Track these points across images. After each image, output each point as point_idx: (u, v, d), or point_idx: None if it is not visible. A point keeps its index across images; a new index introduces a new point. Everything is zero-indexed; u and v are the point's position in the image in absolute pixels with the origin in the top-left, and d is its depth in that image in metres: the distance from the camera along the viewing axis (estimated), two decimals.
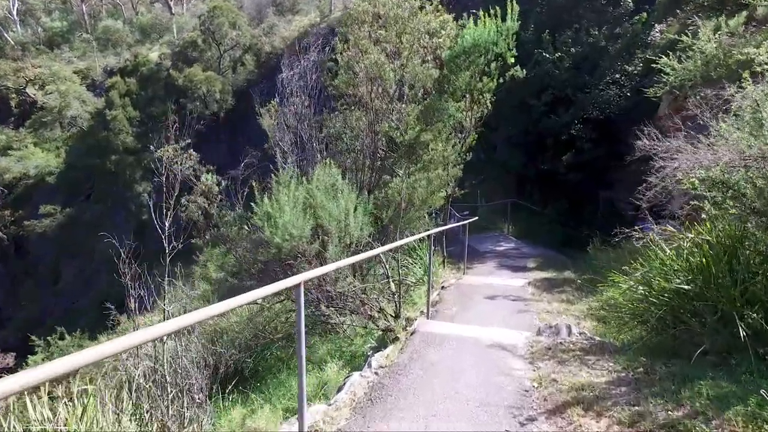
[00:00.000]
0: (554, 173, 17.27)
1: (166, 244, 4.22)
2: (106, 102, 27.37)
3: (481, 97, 10.27)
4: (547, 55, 16.22)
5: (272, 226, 6.40)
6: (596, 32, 16.42)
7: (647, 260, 5.78)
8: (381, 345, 6.94)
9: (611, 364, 4.84)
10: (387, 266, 7.66)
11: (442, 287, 9.11)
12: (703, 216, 5.58)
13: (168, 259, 4.28)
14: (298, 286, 3.03)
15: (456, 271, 11.32)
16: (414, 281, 9.47)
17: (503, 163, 19.28)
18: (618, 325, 5.90)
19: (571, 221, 17.66)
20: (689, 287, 4.86)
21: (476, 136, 10.52)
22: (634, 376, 4.51)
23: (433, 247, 11.94)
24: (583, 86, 16.44)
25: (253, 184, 7.61)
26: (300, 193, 7.02)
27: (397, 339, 6.02)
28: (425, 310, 7.77)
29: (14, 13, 40.02)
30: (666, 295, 5.04)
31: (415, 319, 7.23)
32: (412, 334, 5.99)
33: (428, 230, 9.05)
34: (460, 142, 10.07)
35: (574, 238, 17.05)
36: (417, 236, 6.48)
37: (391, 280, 7.70)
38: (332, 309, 7.02)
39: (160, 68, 28.63)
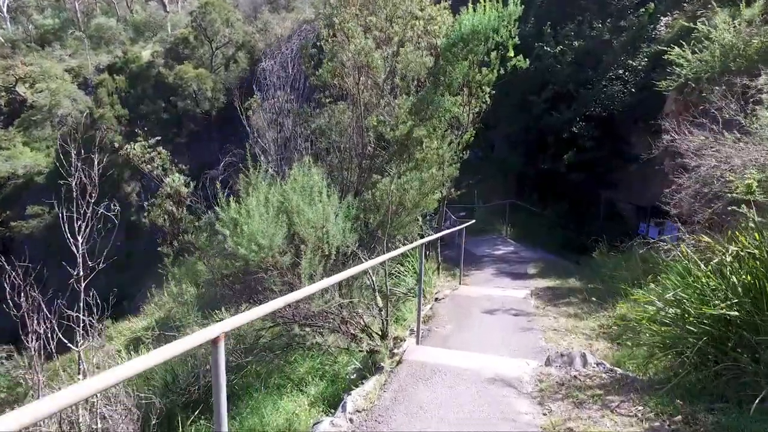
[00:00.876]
0: (555, 173, 16.31)
1: (80, 266, 3.25)
2: (93, 100, 26.32)
3: (479, 90, 9.31)
4: (549, 49, 15.25)
5: (237, 234, 5.43)
6: (599, 25, 15.45)
7: (677, 276, 4.80)
8: (365, 368, 6.03)
9: (640, 408, 3.87)
10: (373, 277, 6.68)
11: (436, 299, 8.15)
12: (745, 224, 4.63)
13: (83, 285, 3.31)
14: (215, 341, 2.06)
15: (452, 278, 10.36)
16: (405, 291, 8.51)
17: (502, 162, 18.31)
18: (643, 354, 4.92)
19: (571, 223, 16.72)
20: (735, 313, 3.89)
21: (474, 132, 9.56)
22: (672, 427, 3.55)
23: (425, 254, 10.99)
24: (585, 82, 15.49)
25: (222, 185, 6.62)
26: (274, 196, 6.05)
27: (381, 369, 5.05)
28: (416, 328, 6.82)
29: (4, 10, 38.94)
30: (705, 321, 4.07)
31: (404, 340, 6.28)
32: (398, 363, 5.02)
33: (420, 237, 8.08)
34: (456, 139, 9.10)
35: (576, 241, 16.12)
36: (404, 248, 5.52)
37: (377, 292, 6.73)
38: (308, 329, 6.05)
39: (151, 66, 27.60)
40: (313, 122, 7.66)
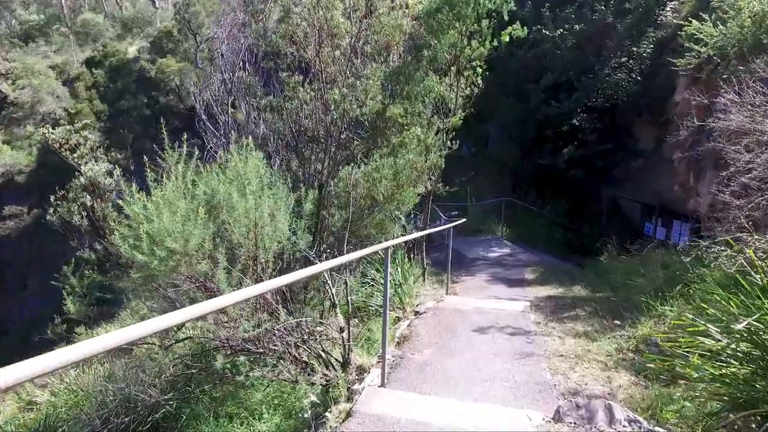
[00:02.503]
0: (554, 169, 14.84)
1: None
2: (71, 95, 24.81)
3: (468, 66, 7.83)
4: (547, 33, 13.77)
5: (137, 236, 3.95)
6: (602, 7, 13.97)
7: (746, 294, 3.32)
8: (323, 402, 4.62)
9: None
10: (332, 290, 5.21)
11: (416, 313, 6.67)
12: None
13: None
14: None
15: (439, 285, 8.87)
16: (381, 304, 7.03)
17: (497, 157, 16.83)
18: (696, 407, 3.42)
19: (572, 223, 15.26)
20: None
21: (462, 116, 8.09)
22: None
23: (408, 257, 9.51)
24: (587, 69, 14.02)
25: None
26: (199, 189, 4.57)
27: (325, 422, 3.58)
28: (393, 351, 5.34)
29: None
30: None
31: (368, 371, 4.81)
32: (347, 417, 3.54)
33: (395, 238, 6.59)
34: (442, 123, 7.62)
35: (577, 241, 14.68)
36: (366, 250, 4.04)
37: (338, 308, 5.25)
38: (243, 358, 4.57)
39: (132, 60, 26.09)
40: (261, 97, 6.20)
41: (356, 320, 7.01)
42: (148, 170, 4.32)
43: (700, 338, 3.13)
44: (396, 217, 8.73)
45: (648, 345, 5.14)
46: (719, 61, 8.55)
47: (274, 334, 4.87)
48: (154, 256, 3.85)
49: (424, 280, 9.02)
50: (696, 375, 3.11)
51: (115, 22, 38.73)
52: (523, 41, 14.60)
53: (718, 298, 3.93)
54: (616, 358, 5.07)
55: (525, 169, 15.97)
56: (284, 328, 4.90)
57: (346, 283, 5.04)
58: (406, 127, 6.43)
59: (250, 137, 5.04)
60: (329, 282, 5.28)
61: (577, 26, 13.94)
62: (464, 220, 11.34)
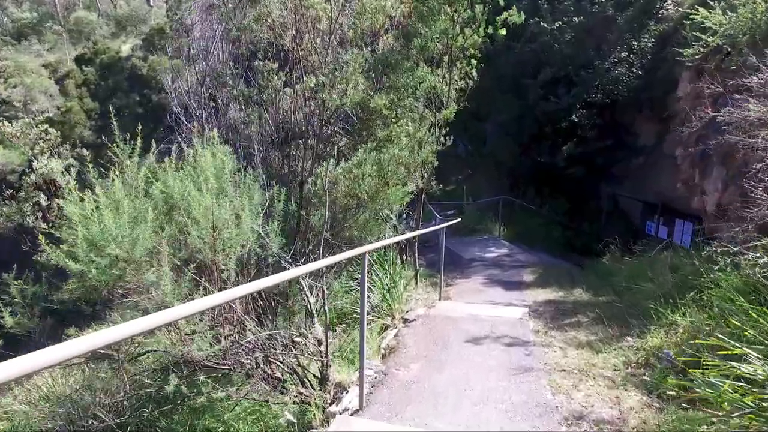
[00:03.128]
0: (552, 167, 14.27)
1: None
2: (60, 93, 24.22)
3: (462, 56, 7.27)
4: (546, 26, 13.20)
5: (71, 242, 3.39)
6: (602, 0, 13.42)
7: None
8: (301, 422, 4.12)
9: None
10: (309, 298, 4.66)
11: (405, 321, 6.11)
12: None
13: None
14: None
15: (432, 289, 8.32)
16: (369, 310, 6.48)
17: (494, 155, 16.26)
18: None
19: (571, 222, 14.70)
20: None
21: (456, 108, 7.54)
22: None
23: (401, 258, 8.96)
24: (586, 64, 13.44)
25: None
26: (156, 187, 4.02)
27: None
28: (377, 365, 4.79)
29: None
30: None
31: (348, 389, 4.27)
32: None
33: (381, 239, 6.02)
34: (434, 117, 7.08)
35: (576, 240, 14.14)
36: (337, 257, 3.49)
37: (316, 320, 4.71)
38: (202, 377, 4.01)
39: (123, 57, 25.50)
40: (233, 87, 5.64)
41: (344, 326, 6.47)
42: (91, 166, 3.76)
43: (734, 364, 2.57)
44: (386, 217, 8.18)
45: (659, 359, 4.59)
46: (729, 50, 7.99)
47: (244, 348, 4.33)
48: (92, 264, 3.29)
49: (416, 283, 8.47)
50: (730, 406, 2.57)
51: (109, 21, 38.12)
52: (520, 35, 14.07)
53: (742, 310, 3.39)
54: (624, 374, 4.52)
55: (523, 167, 15.40)
56: (255, 342, 4.35)
57: (323, 291, 4.48)
58: (393, 120, 5.87)
59: (215, 130, 4.48)
60: (306, 290, 4.74)
61: (576, 19, 13.37)
62: (459, 219, 10.79)
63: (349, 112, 6.35)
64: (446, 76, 7.06)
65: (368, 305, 6.45)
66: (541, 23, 13.20)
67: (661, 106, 12.99)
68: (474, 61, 8.17)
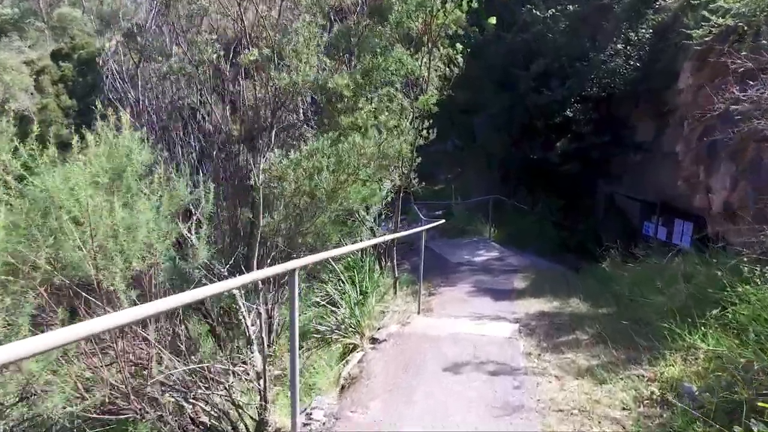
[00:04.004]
0: (546, 164, 13.35)
1: None
2: (35, 89, 23.11)
3: (443, 36, 6.34)
4: (538, 13, 12.28)
5: None
6: None
7: None
8: None
9: None
10: (246, 320, 3.71)
11: (375, 341, 5.17)
12: None
13: None
14: None
15: (412, 298, 7.38)
16: (333, 327, 5.56)
17: (484, 152, 15.32)
18: None
19: (566, 222, 13.79)
20: None
21: (437, 96, 6.61)
22: None
23: (379, 264, 8.02)
24: (581, 55, 12.53)
25: None
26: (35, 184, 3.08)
27: None
28: (330, 403, 3.83)
29: None
30: None
31: None
32: None
33: (340, 246, 5.07)
34: (410, 104, 6.14)
35: (571, 241, 13.25)
36: (257, 274, 2.55)
37: (254, 347, 3.76)
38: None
39: (103, 52, 24.39)
40: (164, 62, 4.69)
41: (307, 345, 5.53)
42: None
43: None
44: (361, 219, 7.24)
45: (679, 395, 3.66)
46: (745, 29, 7.09)
47: (161, 388, 3.38)
48: None
49: (395, 291, 7.54)
50: None
51: (93, 17, 36.97)
52: (511, 23, 13.17)
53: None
54: (635, 415, 3.59)
55: (515, 164, 14.47)
56: (170, 379, 3.40)
57: (260, 313, 3.53)
58: (360, 106, 4.93)
59: (127, 112, 3.52)
60: (243, 311, 3.78)
61: (570, 7, 12.47)
62: (444, 221, 9.85)
63: (313, 97, 5.39)
64: (425, 58, 6.12)
65: (333, 321, 5.52)
66: (534, 11, 12.29)
67: (660, 100, 12.12)
68: (459, 46, 7.27)
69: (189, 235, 3.60)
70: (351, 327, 5.50)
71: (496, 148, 14.64)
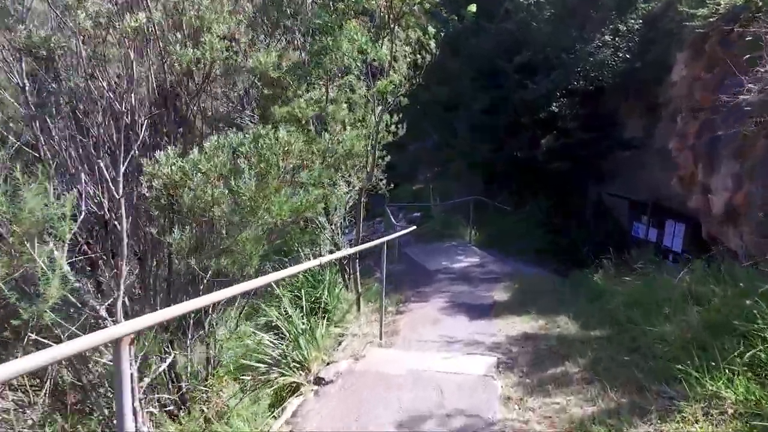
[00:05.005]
0: (531, 162, 12.43)
1: None
2: None
3: (408, 12, 5.33)
4: (522, 0, 11.31)
5: None
6: None
7: None
8: None
9: None
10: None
11: (320, 381, 4.15)
12: None
13: None
14: None
15: (376, 319, 6.36)
16: (273, 361, 4.54)
17: (466, 150, 14.32)
18: None
19: (552, 224, 12.87)
20: None
21: (405, 84, 5.61)
22: None
23: (343, 276, 7.01)
24: (568, 46, 11.60)
25: None
26: None
27: None
28: None
29: None
30: None
31: None
32: None
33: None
34: (372, 97, 5.13)
35: (557, 245, 12.33)
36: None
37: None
38: None
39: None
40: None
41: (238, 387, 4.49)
42: None
43: None
44: (320, 225, 6.23)
45: None
46: (756, 7, 6.17)
47: None
48: None
49: (359, 308, 6.51)
50: None
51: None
52: (494, 12, 12.20)
53: None
54: None
55: (498, 163, 13.51)
56: None
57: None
58: (300, 94, 3.91)
59: None
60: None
61: None
62: (414, 227, 8.84)
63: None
64: (387, 38, 5.10)
65: (277, 353, 4.51)
66: None
67: (651, 94, 11.26)
68: (432, 30, 6.28)
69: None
70: (295, 361, 4.48)
71: (479, 145, 13.68)
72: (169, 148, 2.87)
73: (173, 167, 2.75)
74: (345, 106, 4.95)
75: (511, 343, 5.35)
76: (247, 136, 3.26)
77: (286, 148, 3.09)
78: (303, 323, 4.71)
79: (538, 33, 11.51)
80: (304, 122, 3.97)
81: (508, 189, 13.69)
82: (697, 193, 9.04)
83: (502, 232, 12.18)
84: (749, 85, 5.83)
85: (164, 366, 3.57)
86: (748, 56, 6.05)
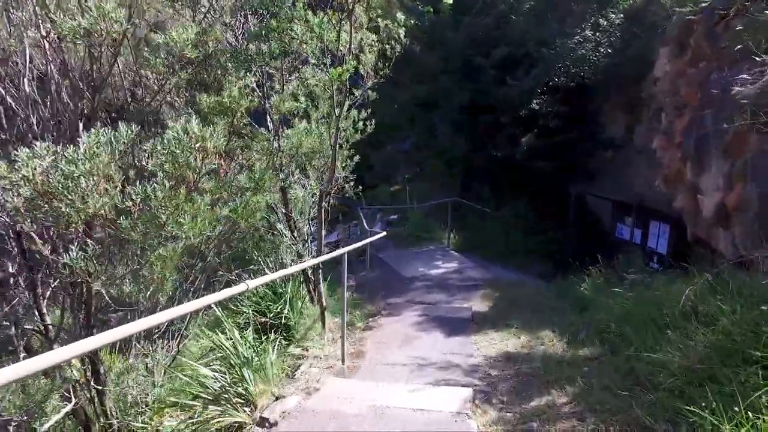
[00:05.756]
0: (511, 162, 11.85)
1: None
2: None
3: None
4: None
5: None
6: None
7: None
8: None
9: None
10: None
11: (263, 423, 3.44)
12: None
13: None
14: None
15: (348, 331, 5.67)
16: (212, 396, 3.82)
17: (444, 151, 13.70)
18: None
19: (532, 226, 12.30)
20: None
21: (354, 66, 4.90)
22: None
23: (308, 288, 6.30)
24: (549, 41, 11.04)
25: None
26: None
27: None
28: None
29: None
30: None
31: None
32: None
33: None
34: (330, 87, 4.45)
35: (539, 248, 11.77)
36: None
37: None
38: None
39: None
40: None
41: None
42: None
43: None
44: (279, 233, 5.55)
45: None
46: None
47: None
48: None
49: (323, 325, 5.81)
50: None
51: None
52: (471, 5, 11.60)
53: None
54: None
55: (477, 163, 12.91)
56: None
57: None
58: (236, 79, 3.21)
59: None
60: None
61: None
62: (384, 233, 8.17)
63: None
64: (345, 20, 4.41)
65: (217, 388, 3.81)
66: None
67: (633, 91, 10.77)
68: (401, 17, 5.65)
69: None
70: (239, 395, 3.77)
71: (458, 145, 13.06)
72: (37, 144, 2.15)
73: (36, 169, 2.04)
74: (299, 98, 4.26)
75: (491, 365, 4.71)
76: (159, 133, 2.54)
77: (198, 144, 2.39)
78: (250, 349, 3.99)
79: (518, 27, 10.93)
80: (239, 115, 3.29)
81: (488, 190, 13.09)
82: (684, 194, 8.55)
83: (481, 234, 11.56)
84: (744, 76, 5.32)
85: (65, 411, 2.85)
86: (739, 46, 5.52)
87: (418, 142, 14.63)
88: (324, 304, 5.78)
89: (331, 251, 5.53)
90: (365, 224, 9.06)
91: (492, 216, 11.97)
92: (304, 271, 6.10)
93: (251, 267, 6.22)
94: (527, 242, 11.66)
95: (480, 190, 13.03)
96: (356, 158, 6.62)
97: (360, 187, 6.66)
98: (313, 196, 5.81)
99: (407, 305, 6.97)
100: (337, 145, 4.91)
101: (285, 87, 4.43)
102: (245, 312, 5.64)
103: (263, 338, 5.15)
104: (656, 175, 9.31)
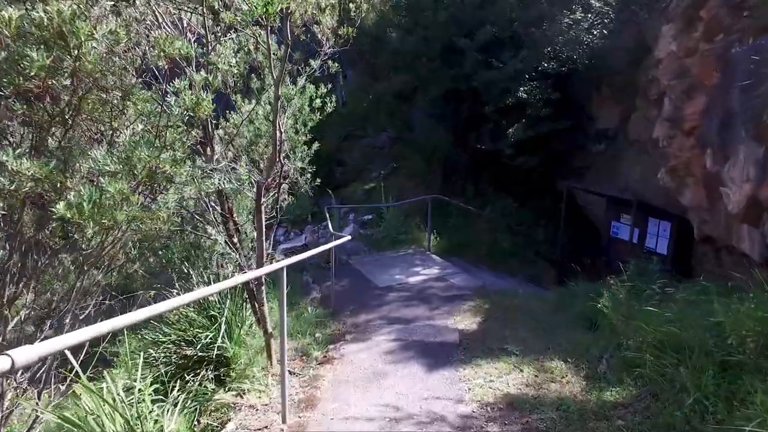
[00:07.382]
0: (496, 156, 10.63)
1: None
2: None
3: None
4: None
5: None
6: None
7: None
8: None
9: None
10: None
11: None
12: None
13: None
14: None
15: (301, 362, 4.29)
16: None
17: (423, 144, 12.39)
18: None
19: (521, 225, 11.10)
20: None
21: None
22: None
23: (253, 307, 4.88)
24: (537, 21, 9.83)
25: None
26: None
27: None
28: None
29: None
30: None
31: None
32: None
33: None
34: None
35: (529, 249, 10.58)
36: None
37: None
38: None
39: None
40: None
41: None
42: None
43: None
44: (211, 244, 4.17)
45: None
46: None
47: None
48: None
49: (269, 358, 4.42)
50: None
51: None
52: None
53: None
54: None
55: (459, 158, 11.63)
56: None
57: None
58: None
59: None
60: None
61: None
62: (348, 237, 6.82)
63: None
64: None
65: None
66: None
67: (629, 77, 9.62)
68: None
69: None
70: None
71: (438, 138, 11.76)
72: None
73: None
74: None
75: (488, 417, 3.39)
76: None
77: None
78: (127, 414, 2.59)
79: (503, 5, 9.68)
80: (73, 45, 1.93)
81: (472, 187, 11.85)
82: (692, 186, 7.42)
83: (464, 235, 10.28)
84: None
85: None
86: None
87: (394, 136, 13.31)
88: (269, 329, 4.39)
89: (298, 254, 4.18)
90: (330, 226, 7.66)
91: (476, 215, 10.71)
92: (247, 286, 4.71)
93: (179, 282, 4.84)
94: (515, 243, 10.44)
95: (463, 187, 11.76)
96: (315, 145, 5.28)
97: (318, 180, 5.30)
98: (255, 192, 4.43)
99: (379, 325, 5.59)
100: (279, 119, 3.54)
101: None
102: (164, 342, 4.25)
103: (185, 381, 3.77)
104: (656, 167, 8.21)
